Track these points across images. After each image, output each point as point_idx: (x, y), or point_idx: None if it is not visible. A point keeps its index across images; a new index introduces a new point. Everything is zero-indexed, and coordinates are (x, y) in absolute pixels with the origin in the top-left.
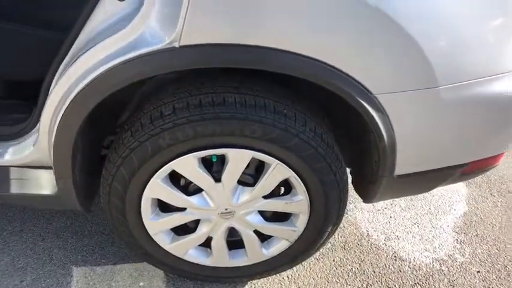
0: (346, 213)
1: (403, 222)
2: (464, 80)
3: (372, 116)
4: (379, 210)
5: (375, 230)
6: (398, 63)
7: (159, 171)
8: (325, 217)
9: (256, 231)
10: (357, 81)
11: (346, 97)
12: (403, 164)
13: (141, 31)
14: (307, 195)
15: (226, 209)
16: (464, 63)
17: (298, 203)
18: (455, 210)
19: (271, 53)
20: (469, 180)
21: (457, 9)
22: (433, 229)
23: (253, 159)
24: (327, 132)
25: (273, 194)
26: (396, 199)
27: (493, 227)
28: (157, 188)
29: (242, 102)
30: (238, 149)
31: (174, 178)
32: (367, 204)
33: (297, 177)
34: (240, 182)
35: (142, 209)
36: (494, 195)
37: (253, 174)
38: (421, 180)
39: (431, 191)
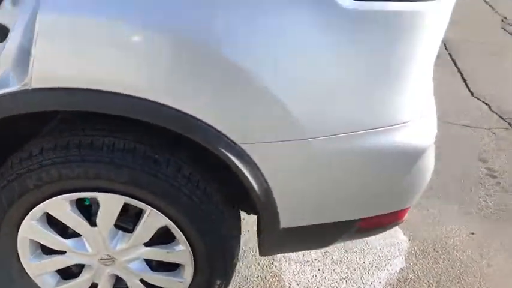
0: (272, 264)
1: (331, 276)
2: (336, 133)
3: (238, 167)
4: (308, 261)
5: (297, 284)
6: (259, 113)
7: (32, 211)
8: (211, 270)
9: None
10: (217, 130)
11: (208, 146)
12: (288, 217)
13: (1, 73)
14: (188, 245)
15: (107, 255)
16: (335, 116)
17: (180, 252)
18: (391, 265)
19: (115, 98)
20: (414, 234)
21: (327, 64)
22: (363, 285)
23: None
24: (206, 179)
25: (156, 242)
26: (329, 250)
27: (429, 286)
28: (32, 228)
29: (110, 146)
30: (108, 194)
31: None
32: (296, 254)
33: (174, 225)
34: (121, 227)
35: (19, 249)
36: (437, 251)
37: (133, 220)
38: (312, 235)
39: (367, 243)
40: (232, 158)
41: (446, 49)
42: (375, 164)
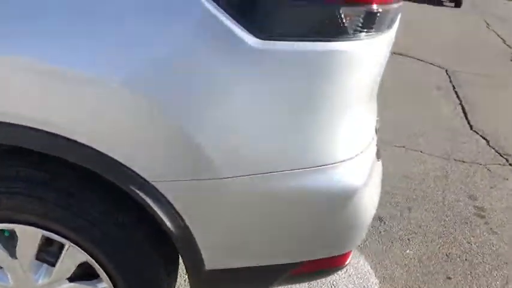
0: None
1: None
2: (253, 172)
3: (150, 205)
4: None
5: None
6: (171, 151)
7: None
8: None
9: None
10: (127, 167)
11: (118, 183)
12: (212, 259)
13: None
14: (110, 283)
15: None
16: (252, 156)
17: None
18: None
19: (27, 132)
20: (387, 275)
21: (240, 104)
22: None
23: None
24: (123, 216)
25: (81, 277)
26: None
27: None
28: None
29: (23, 178)
30: (24, 226)
31: None
32: None
33: (94, 262)
34: (45, 260)
35: None
36: None
37: (57, 254)
38: (243, 278)
39: (334, 284)
40: (144, 196)
41: (450, 81)
42: (299, 206)
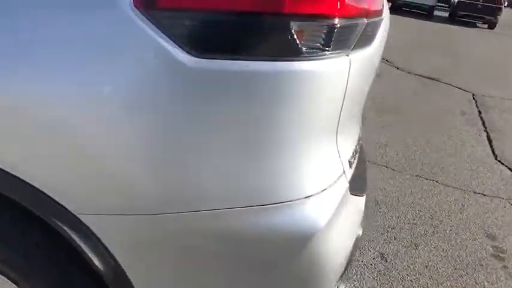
0: None
1: None
2: (190, 209)
3: (75, 240)
4: None
5: None
6: (97, 183)
7: None
8: None
9: None
10: (50, 197)
11: (40, 214)
12: None
13: None
14: None
15: None
16: (190, 190)
17: None
18: None
19: None
20: None
21: (171, 132)
22: None
23: None
24: (55, 250)
25: None
26: None
27: None
28: None
29: None
30: None
31: None
32: None
33: None
34: None
35: None
36: None
37: None
38: None
39: None
40: (67, 229)
41: (476, 106)
42: (246, 250)
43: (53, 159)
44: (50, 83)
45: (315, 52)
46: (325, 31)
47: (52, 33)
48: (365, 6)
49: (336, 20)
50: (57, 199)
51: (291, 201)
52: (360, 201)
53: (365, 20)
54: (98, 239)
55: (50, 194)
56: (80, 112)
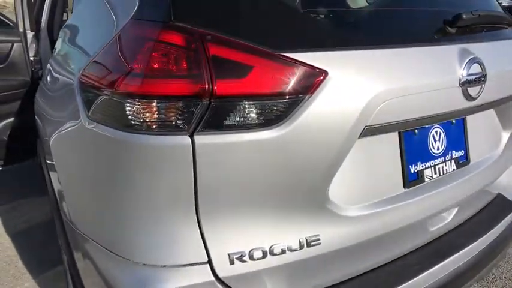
0: None
1: None
2: None
3: None
4: None
5: None
6: None
7: None
8: None
9: None
10: None
11: None
12: None
13: None
14: None
15: None
16: None
17: None
18: None
19: None
20: None
21: None
22: None
23: None
24: None
25: None
26: None
27: None
28: None
29: None
30: None
31: None
32: None
33: None
34: None
35: None
36: None
37: None
38: None
39: None
40: None
41: None
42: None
43: None
44: None
45: (146, 127)
46: (147, 109)
47: None
48: (205, 86)
49: (152, 99)
50: None
51: (129, 260)
52: None
53: (206, 101)
54: None
55: None
56: None
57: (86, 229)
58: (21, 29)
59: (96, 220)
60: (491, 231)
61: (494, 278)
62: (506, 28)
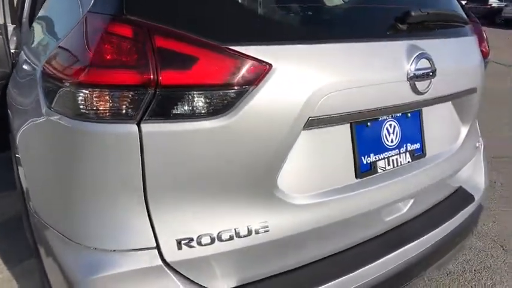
0: None
1: None
2: None
3: None
4: None
5: None
6: None
7: None
8: None
9: None
10: None
11: None
12: None
13: None
14: None
15: None
16: None
17: None
18: None
19: None
20: None
21: None
22: None
23: None
24: None
25: None
26: None
27: None
28: None
29: None
30: None
31: None
32: None
33: None
34: None
35: None
36: None
37: None
38: None
39: None
40: None
41: None
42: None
43: None
44: None
45: (96, 116)
46: (96, 98)
47: None
48: (150, 76)
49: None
50: None
51: (81, 244)
52: None
53: (152, 91)
54: None
55: None
56: None
57: (46, 217)
58: (1, 22)
59: (54, 208)
60: (449, 222)
61: (464, 271)
62: (463, 26)
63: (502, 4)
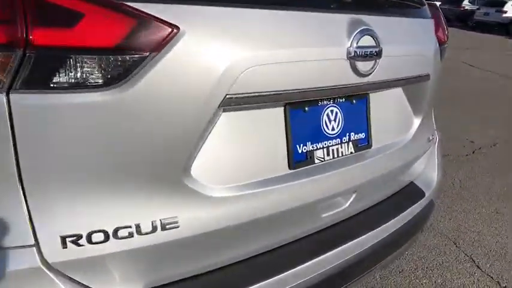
0: None
1: None
2: None
3: None
4: None
5: None
6: None
7: None
8: None
9: None
10: None
11: None
12: None
13: None
14: None
15: None
16: None
17: None
18: None
19: None
20: None
21: None
22: None
23: None
24: None
25: None
26: None
27: None
28: None
29: None
30: None
31: None
32: None
33: None
34: None
35: None
36: None
37: None
38: None
39: None
40: None
41: None
42: None
43: None
44: None
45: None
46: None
47: None
48: (18, 33)
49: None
50: None
51: None
52: None
53: (20, 52)
54: None
55: None
56: None
57: None
58: None
59: None
60: (396, 219)
61: (416, 268)
62: (418, 7)
63: (475, 7)
